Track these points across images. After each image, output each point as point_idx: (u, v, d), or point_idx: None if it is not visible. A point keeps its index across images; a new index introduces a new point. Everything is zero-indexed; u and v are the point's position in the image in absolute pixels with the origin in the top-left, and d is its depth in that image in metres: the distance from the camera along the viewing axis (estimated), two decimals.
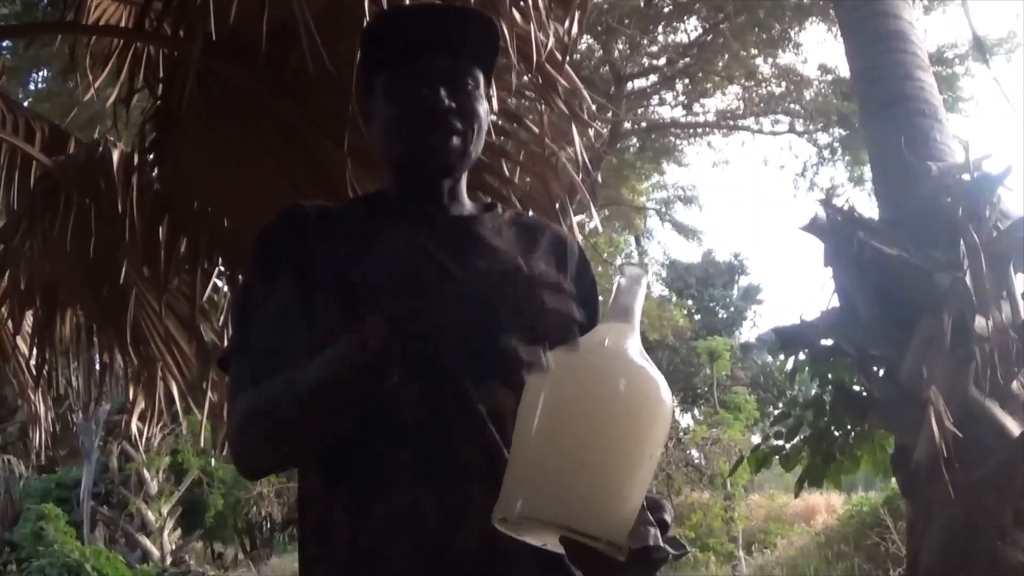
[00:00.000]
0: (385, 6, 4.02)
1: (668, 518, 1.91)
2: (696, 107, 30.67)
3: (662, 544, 1.83)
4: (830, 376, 9.87)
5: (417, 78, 2.30)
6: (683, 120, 31.17)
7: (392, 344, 1.94)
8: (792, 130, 29.85)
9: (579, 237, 2.60)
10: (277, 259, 2.30)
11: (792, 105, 28.73)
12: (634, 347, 1.89)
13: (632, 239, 39.32)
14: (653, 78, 29.82)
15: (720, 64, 27.34)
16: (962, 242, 8.42)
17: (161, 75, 5.55)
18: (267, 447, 2.24)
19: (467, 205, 2.47)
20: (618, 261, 36.71)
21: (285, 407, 2.12)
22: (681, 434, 30.50)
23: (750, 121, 30.28)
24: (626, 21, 25.75)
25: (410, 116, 2.30)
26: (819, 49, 67.60)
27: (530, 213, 2.85)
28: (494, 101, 4.52)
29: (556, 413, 1.81)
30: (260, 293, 2.29)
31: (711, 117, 30.85)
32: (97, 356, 6.74)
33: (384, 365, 1.96)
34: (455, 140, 2.30)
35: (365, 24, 2.39)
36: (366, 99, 2.45)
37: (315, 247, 2.28)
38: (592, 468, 1.78)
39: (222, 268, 5.83)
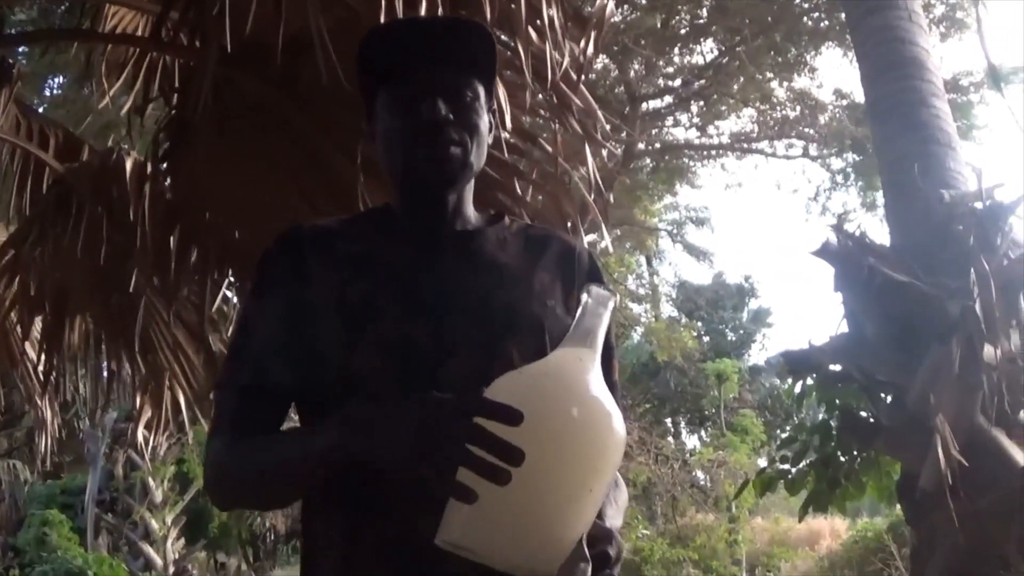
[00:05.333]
0: (400, 17, 4.03)
1: (612, 551, 1.89)
2: (710, 129, 30.70)
3: None
4: (837, 401, 9.84)
5: (415, 92, 2.29)
6: (697, 142, 31.18)
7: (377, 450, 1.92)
8: (806, 154, 29.86)
9: None
10: (273, 286, 2.33)
11: (806, 129, 28.72)
12: (593, 374, 1.84)
13: (643, 260, 39.33)
14: (668, 99, 29.84)
15: (735, 87, 27.32)
16: (973, 270, 8.41)
17: (176, 84, 5.58)
18: (237, 498, 2.41)
19: (472, 218, 2.46)
20: (629, 281, 36.78)
21: (256, 475, 2.19)
22: (687, 455, 30.50)
23: (764, 144, 30.26)
24: (642, 42, 25.74)
25: (409, 129, 2.29)
26: (835, 74, 67.86)
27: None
28: (507, 118, 4.52)
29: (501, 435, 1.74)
30: (254, 323, 2.33)
31: (725, 139, 30.87)
32: (105, 363, 6.75)
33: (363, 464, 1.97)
34: (454, 150, 2.28)
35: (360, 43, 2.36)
36: (371, 118, 2.43)
37: (314, 267, 2.29)
38: (528, 496, 1.73)
39: (232, 279, 5.84)
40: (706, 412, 43.27)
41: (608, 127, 5.16)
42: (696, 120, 30.30)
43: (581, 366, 1.84)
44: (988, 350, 8.24)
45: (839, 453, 9.84)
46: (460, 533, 1.77)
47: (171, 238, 5.55)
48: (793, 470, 10.23)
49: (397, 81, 2.33)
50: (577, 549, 1.78)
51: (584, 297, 1.95)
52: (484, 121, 2.37)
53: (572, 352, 1.88)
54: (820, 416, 10.42)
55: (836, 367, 9.68)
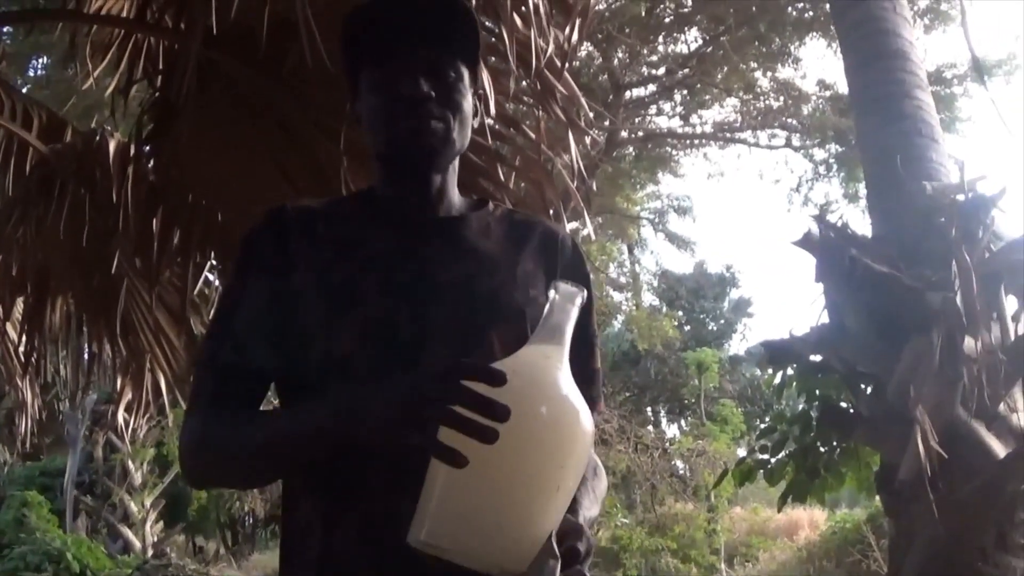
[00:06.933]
0: None
1: (581, 547, 1.88)
2: (693, 118, 30.76)
3: None
4: (817, 392, 9.86)
5: (396, 70, 2.28)
6: (680, 131, 31.22)
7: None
8: (788, 144, 29.89)
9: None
10: (257, 264, 2.31)
11: (789, 120, 28.77)
12: (561, 372, 1.83)
13: (625, 248, 39.37)
14: (651, 88, 29.90)
15: (719, 76, 27.36)
16: (954, 262, 8.42)
17: (161, 67, 5.57)
18: (217, 476, 2.37)
19: (456, 203, 2.45)
20: (610, 269, 36.82)
21: (239, 452, 2.17)
22: (667, 445, 30.51)
23: (747, 134, 30.32)
24: (626, 30, 25.78)
25: (389, 106, 2.28)
26: (818, 64, 67.82)
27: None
28: (491, 104, 4.52)
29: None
30: (237, 302, 2.30)
31: (708, 129, 30.91)
32: (86, 345, 6.75)
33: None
34: (435, 125, 2.27)
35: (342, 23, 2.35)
36: (355, 99, 2.43)
37: (298, 248, 2.28)
38: (497, 495, 1.74)
39: (214, 262, 5.83)
40: (686, 401, 43.42)
41: (591, 115, 5.15)
42: (679, 109, 30.42)
43: (549, 363, 1.83)
44: (968, 342, 8.26)
45: (818, 443, 9.86)
46: (429, 532, 1.76)
47: (154, 220, 5.54)
48: (772, 460, 10.26)
49: (379, 60, 2.32)
50: (546, 546, 1.77)
51: (551, 293, 1.93)
52: (468, 101, 2.35)
53: (540, 349, 1.87)
54: (800, 406, 10.41)
55: (816, 358, 9.69)
